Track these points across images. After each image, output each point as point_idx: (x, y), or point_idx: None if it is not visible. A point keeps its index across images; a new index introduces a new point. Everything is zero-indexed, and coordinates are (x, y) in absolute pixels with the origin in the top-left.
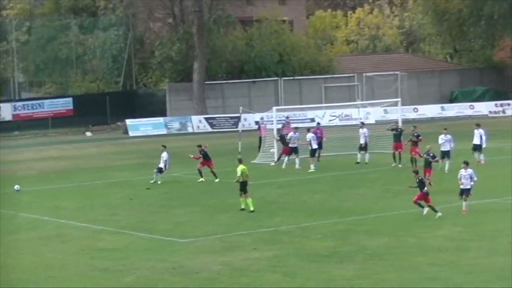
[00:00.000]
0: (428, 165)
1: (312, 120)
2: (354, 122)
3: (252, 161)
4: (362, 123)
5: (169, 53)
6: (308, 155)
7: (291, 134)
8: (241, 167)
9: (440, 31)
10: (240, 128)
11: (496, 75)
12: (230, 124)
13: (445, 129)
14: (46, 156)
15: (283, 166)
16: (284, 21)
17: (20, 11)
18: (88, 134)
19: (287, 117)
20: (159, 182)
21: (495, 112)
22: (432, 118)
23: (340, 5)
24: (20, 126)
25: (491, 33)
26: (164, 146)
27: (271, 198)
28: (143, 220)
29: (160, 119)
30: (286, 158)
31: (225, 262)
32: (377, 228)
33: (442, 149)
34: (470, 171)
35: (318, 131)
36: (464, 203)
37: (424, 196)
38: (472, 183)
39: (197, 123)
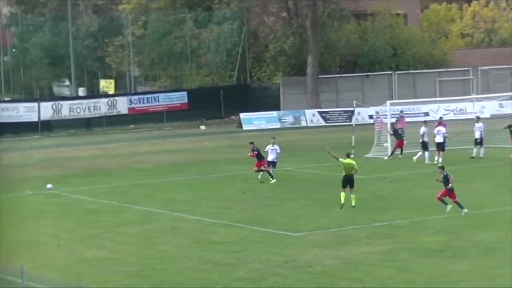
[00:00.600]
0: None
1: (427, 114)
2: (469, 116)
3: (366, 155)
4: (478, 117)
5: (283, 47)
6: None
7: (423, 129)
8: (344, 161)
9: None
10: (353, 122)
11: None
12: (344, 118)
13: None
14: (161, 149)
15: (414, 160)
16: (398, 14)
17: (136, 6)
18: (202, 127)
19: (401, 111)
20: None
21: None
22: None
23: None
24: (136, 119)
25: None
26: (274, 138)
27: (385, 192)
28: (257, 213)
29: (274, 113)
30: (400, 151)
31: (338, 256)
32: (491, 224)
33: None
34: None
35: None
36: None
37: (448, 192)
38: None
39: (311, 117)
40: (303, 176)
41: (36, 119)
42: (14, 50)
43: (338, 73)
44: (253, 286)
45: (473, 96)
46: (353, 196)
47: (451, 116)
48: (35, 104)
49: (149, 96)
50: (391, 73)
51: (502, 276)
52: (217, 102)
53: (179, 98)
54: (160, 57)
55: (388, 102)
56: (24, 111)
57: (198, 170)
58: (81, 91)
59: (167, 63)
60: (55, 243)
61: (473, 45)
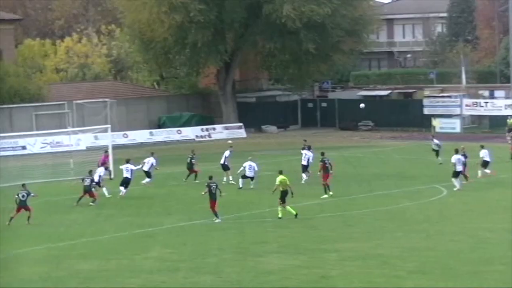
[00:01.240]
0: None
1: (24, 147)
2: (65, 149)
3: None
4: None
5: None
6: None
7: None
8: (279, 178)
9: (146, 59)
10: None
11: (202, 101)
12: None
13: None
14: None
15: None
16: None
17: None
18: None
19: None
20: None
21: (202, 137)
22: (141, 143)
23: (49, 34)
24: None
25: (195, 60)
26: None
27: None
28: None
29: None
30: None
31: None
32: (89, 252)
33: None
34: None
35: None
36: None
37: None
38: None
39: None
40: None
41: None
42: None
43: None
44: None
45: (69, 129)
46: (289, 207)
47: (48, 149)
48: None
49: None
50: None
51: None
52: None
53: None
54: None
55: None
56: None
57: None
58: None
59: None
60: None
61: (68, 79)
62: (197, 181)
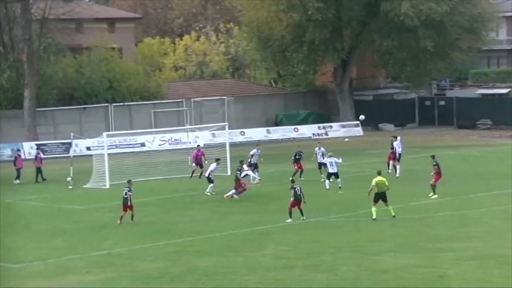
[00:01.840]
0: None
1: (143, 144)
2: (183, 146)
3: (84, 186)
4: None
5: None
6: None
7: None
8: (375, 179)
9: (264, 57)
10: (71, 153)
11: (318, 99)
12: (62, 150)
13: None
14: None
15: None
16: (113, 48)
17: None
18: None
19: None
20: None
21: (318, 134)
22: (258, 140)
23: (168, 32)
24: None
25: (312, 58)
26: None
27: (103, 221)
28: None
29: None
30: None
31: (58, 285)
32: (206, 249)
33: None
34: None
35: (199, 152)
36: None
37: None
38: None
39: (29, 149)
40: (23, 208)
41: None
42: None
43: (55, 106)
44: None
45: (187, 126)
46: (390, 208)
47: (166, 146)
48: None
49: None
50: (108, 105)
51: None
52: None
53: None
54: None
55: (104, 133)
56: None
57: None
58: None
59: None
60: None
61: (186, 77)
62: (302, 178)
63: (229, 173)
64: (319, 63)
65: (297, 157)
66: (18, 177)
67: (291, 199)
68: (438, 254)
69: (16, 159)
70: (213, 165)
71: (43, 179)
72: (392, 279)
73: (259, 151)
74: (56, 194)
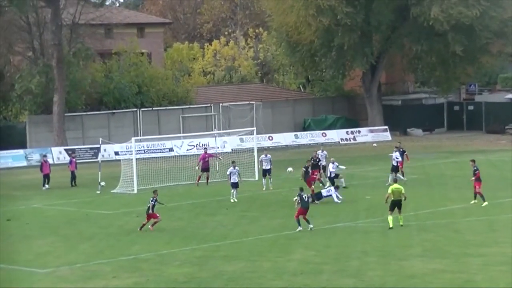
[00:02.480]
0: None
1: (171, 149)
2: (211, 151)
3: (112, 191)
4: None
5: (29, 86)
6: None
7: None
8: (392, 187)
9: (293, 62)
10: (100, 158)
11: (347, 104)
12: (90, 155)
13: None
14: None
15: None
16: (142, 53)
17: None
18: None
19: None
20: None
21: (346, 140)
22: (286, 145)
23: (197, 37)
24: None
25: (341, 63)
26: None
27: (131, 226)
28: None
29: (20, 151)
30: None
31: None
32: (233, 254)
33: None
34: None
35: (206, 155)
36: None
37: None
38: None
39: (57, 154)
40: (50, 213)
41: None
42: None
43: (84, 111)
44: None
45: (215, 131)
46: (400, 216)
47: (194, 151)
48: None
49: None
50: (136, 110)
51: None
52: None
53: None
54: None
55: (133, 138)
56: None
57: None
58: None
59: None
60: None
61: (214, 82)
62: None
63: (256, 178)
64: (348, 68)
65: (313, 162)
66: (46, 182)
67: (297, 206)
68: (466, 259)
69: (42, 165)
70: (230, 169)
71: (74, 184)
72: (419, 284)
73: (323, 152)
74: (84, 199)
